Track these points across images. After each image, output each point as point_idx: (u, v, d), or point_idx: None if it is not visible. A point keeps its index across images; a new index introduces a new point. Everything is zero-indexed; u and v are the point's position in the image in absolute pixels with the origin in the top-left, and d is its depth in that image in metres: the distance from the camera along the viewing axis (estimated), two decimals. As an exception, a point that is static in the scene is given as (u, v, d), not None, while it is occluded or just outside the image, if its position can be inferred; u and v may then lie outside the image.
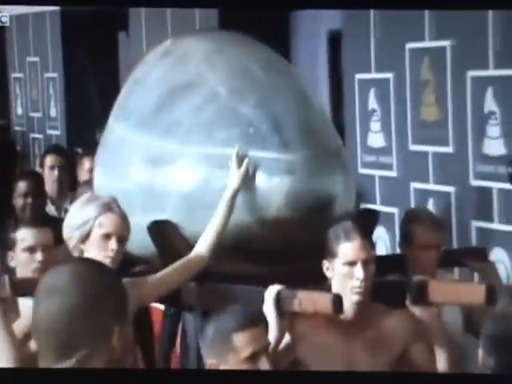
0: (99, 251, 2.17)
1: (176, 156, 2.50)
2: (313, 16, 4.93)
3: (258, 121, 2.40)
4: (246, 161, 2.33)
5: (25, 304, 2.05)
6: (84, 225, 2.21)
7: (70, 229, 2.25)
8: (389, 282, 2.31)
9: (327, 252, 2.05)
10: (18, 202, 3.87)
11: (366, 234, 2.10)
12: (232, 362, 1.70)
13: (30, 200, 3.78)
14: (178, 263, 2.29)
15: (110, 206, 2.24)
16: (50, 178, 4.20)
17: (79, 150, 5.18)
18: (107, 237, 2.18)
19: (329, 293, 2.01)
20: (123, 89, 2.89)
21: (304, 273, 2.28)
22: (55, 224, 2.50)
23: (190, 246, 2.34)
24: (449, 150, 3.52)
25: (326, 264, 2.05)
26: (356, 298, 1.99)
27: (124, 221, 2.24)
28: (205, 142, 2.46)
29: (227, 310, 1.83)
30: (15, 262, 2.33)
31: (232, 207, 2.29)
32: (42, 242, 2.34)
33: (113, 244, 2.19)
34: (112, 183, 2.63)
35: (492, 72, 3.33)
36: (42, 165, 4.42)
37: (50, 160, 4.29)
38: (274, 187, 2.34)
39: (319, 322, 2.04)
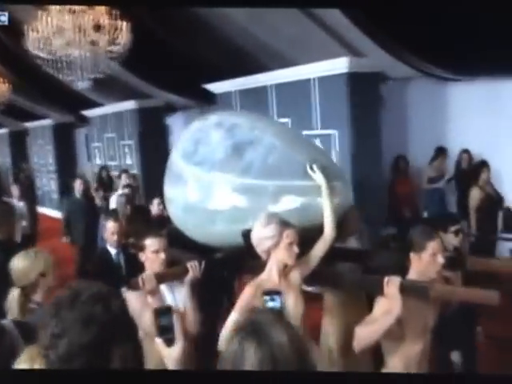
0: (286, 253, 2.97)
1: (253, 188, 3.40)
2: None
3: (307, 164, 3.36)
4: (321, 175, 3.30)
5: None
6: (273, 237, 2.97)
7: (260, 239, 3.01)
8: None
9: (416, 247, 2.92)
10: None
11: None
12: None
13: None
14: (320, 243, 3.18)
15: (287, 224, 3.00)
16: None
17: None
18: (291, 244, 2.99)
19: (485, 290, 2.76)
20: (181, 146, 3.89)
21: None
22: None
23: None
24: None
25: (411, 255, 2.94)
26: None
27: (296, 231, 3.00)
28: (274, 177, 3.39)
29: None
30: (145, 259, 3.21)
31: (332, 202, 3.27)
32: (163, 246, 3.20)
33: (295, 248, 2.99)
34: (200, 207, 3.56)
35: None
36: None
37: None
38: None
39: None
